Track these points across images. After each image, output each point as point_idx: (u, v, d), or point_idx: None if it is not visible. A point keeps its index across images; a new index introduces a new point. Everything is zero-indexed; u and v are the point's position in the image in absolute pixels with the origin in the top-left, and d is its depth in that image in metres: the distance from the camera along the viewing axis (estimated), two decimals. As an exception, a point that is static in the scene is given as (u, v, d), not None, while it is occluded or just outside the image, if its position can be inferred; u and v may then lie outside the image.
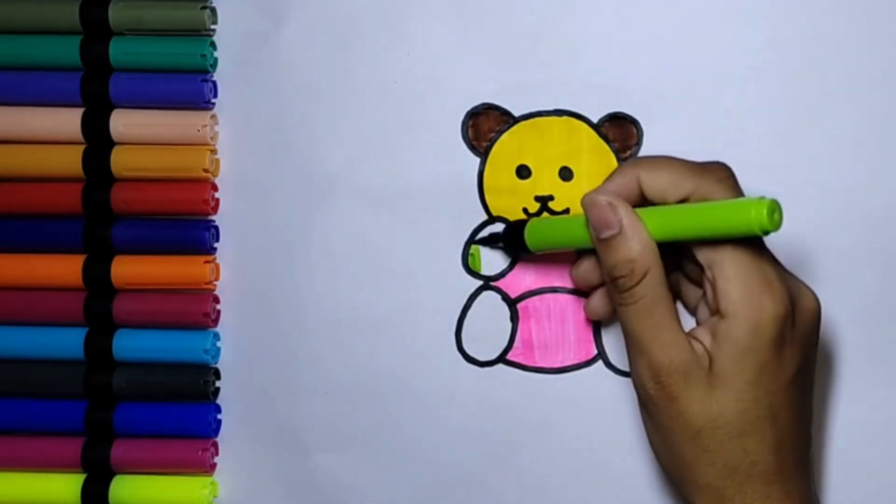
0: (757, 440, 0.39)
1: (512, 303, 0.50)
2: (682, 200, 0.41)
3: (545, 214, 0.50)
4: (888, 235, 0.49)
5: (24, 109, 0.51)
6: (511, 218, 0.50)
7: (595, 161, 0.50)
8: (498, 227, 0.50)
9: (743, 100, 0.49)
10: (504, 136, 0.50)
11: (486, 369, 0.50)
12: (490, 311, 0.50)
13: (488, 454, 0.50)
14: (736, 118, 0.49)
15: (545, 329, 0.50)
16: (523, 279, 0.50)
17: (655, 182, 0.41)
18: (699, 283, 0.44)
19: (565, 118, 0.50)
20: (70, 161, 0.51)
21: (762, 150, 0.49)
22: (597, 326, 0.50)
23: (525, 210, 0.50)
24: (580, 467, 0.50)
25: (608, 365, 0.50)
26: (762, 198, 0.37)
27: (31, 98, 0.51)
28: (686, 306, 0.46)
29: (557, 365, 0.50)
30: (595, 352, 0.50)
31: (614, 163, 0.50)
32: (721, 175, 0.41)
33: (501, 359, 0.50)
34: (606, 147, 0.50)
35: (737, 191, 0.41)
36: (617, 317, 0.42)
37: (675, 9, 0.49)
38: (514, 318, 0.50)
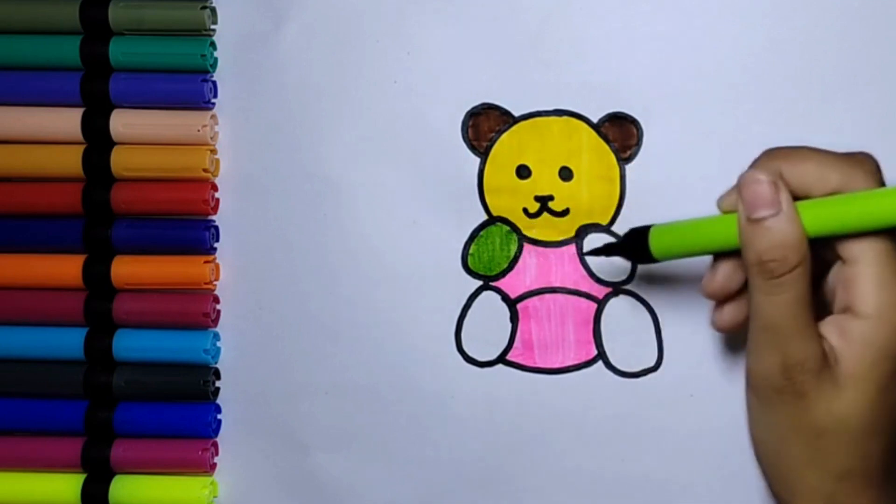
0: (877, 445, 0.38)
1: (512, 303, 0.50)
2: (826, 195, 0.39)
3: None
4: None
5: (24, 109, 0.51)
6: (511, 218, 0.50)
7: (595, 161, 0.50)
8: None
9: (743, 100, 0.49)
10: (504, 136, 0.50)
11: (486, 369, 0.50)
12: (490, 311, 0.50)
13: (488, 454, 0.50)
14: (736, 118, 0.49)
15: (545, 329, 0.50)
16: (523, 279, 0.50)
17: (801, 175, 0.39)
18: (819, 278, 0.41)
19: (565, 118, 0.50)
20: (70, 161, 0.51)
21: (762, 151, 0.49)
22: (597, 326, 0.50)
23: (525, 210, 0.50)
24: (580, 468, 0.50)
25: (608, 365, 0.50)
26: None
27: (31, 98, 0.51)
28: None
29: (557, 365, 0.50)
30: (595, 352, 0.50)
31: (614, 163, 0.50)
32: (870, 167, 0.39)
33: (501, 359, 0.50)
34: (606, 147, 0.50)
35: (883, 184, 0.39)
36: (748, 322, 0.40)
37: (676, 9, 0.49)
38: (514, 318, 0.50)
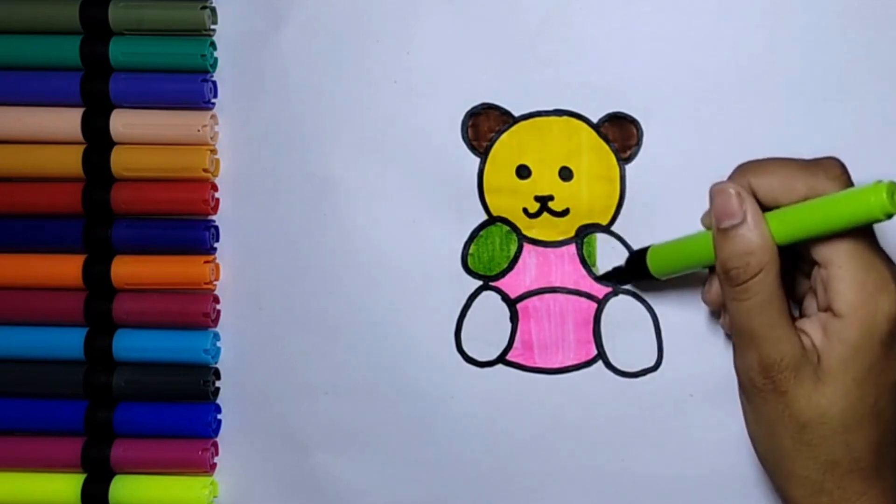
0: (860, 437, 0.40)
1: (512, 303, 0.50)
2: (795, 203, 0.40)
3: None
4: (887, 236, 0.49)
5: (24, 109, 0.51)
6: (511, 218, 0.50)
7: (595, 161, 0.50)
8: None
9: (743, 100, 0.49)
10: (504, 135, 0.50)
11: (486, 369, 0.50)
12: (490, 312, 0.50)
13: (487, 454, 0.50)
14: (736, 118, 0.49)
15: (545, 329, 0.50)
16: (523, 279, 0.50)
17: (767, 186, 0.40)
18: (809, 276, 0.43)
19: (565, 118, 0.50)
20: (70, 161, 0.51)
21: (762, 151, 0.49)
22: (597, 326, 0.50)
23: (525, 210, 0.50)
24: (579, 468, 0.50)
25: (608, 365, 0.50)
26: (879, 182, 0.36)
27: (31, 98, 0.51)
28: (792, 296, 0.45)
29: (557, 365, 0.50)
30: (595, 352, 0.50)
31: (614, 163, 0.50)
32: (835, 172, 0.40)
33: (501, 359, 0.50)
34: (606, 147, 0.50)
35: (852, 186, 0.40)
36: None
37: (676, 9, 0.49)
38: (514, 318, 0.50)
